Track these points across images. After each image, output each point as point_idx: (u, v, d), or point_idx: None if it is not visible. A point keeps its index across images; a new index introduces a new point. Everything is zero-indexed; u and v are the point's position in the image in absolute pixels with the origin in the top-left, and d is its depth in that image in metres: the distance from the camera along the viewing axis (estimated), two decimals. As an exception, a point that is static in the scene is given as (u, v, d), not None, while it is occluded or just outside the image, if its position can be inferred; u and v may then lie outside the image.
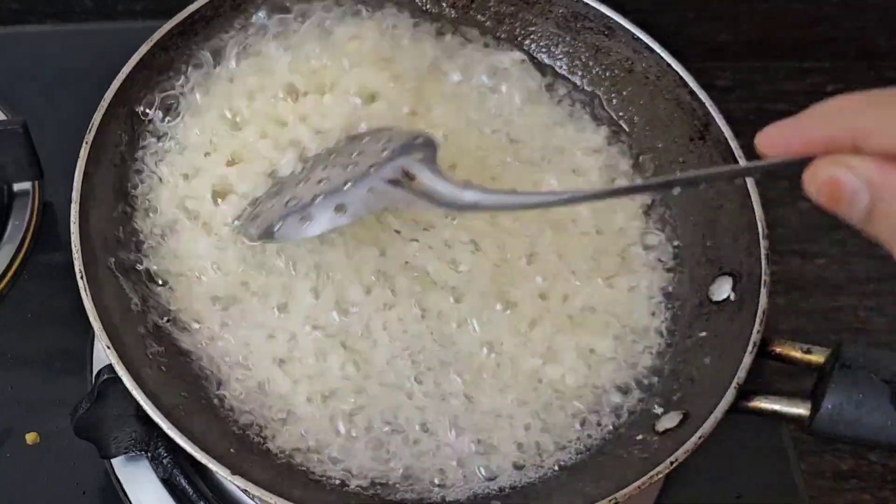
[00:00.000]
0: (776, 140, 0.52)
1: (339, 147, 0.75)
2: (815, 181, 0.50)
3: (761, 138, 0.53)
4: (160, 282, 0.73)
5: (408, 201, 0.68)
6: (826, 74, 1.17)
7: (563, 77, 0.85)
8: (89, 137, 0.71)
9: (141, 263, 0.73)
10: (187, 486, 0.78)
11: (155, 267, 0.73)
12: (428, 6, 0.85)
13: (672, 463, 0.64)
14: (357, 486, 0.67)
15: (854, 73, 1.18)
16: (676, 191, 0.78)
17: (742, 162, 0.75)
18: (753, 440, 0.87)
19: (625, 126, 0.83)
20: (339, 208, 0.69)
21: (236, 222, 0.74)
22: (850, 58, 1.19)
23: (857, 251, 1.07)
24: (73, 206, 0.69)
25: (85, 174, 0.70)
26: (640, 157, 0.81)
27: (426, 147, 0.70)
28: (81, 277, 0.67)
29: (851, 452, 0.96)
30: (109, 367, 0.68)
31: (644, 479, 0.63)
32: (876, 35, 1.20)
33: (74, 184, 0.69)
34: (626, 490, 0.63)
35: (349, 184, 0.69)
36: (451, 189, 0.66)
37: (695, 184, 0.75)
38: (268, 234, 0.71)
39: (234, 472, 0.62)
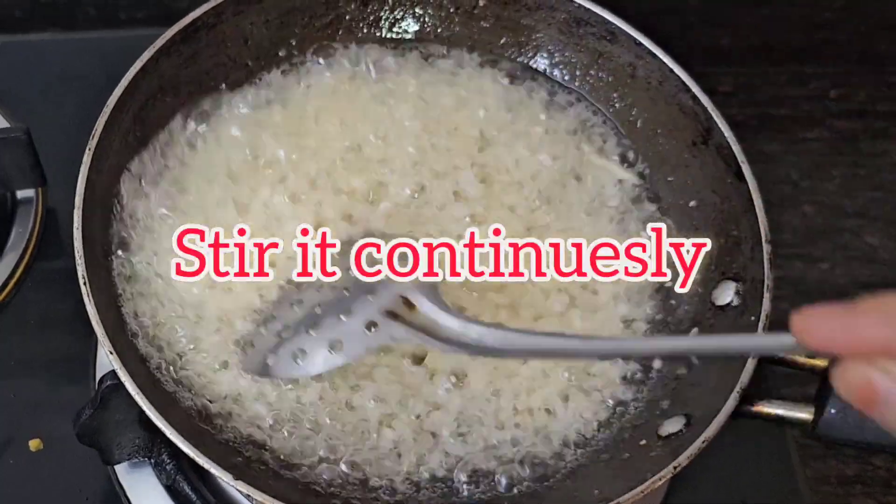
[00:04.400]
0: (818, 332, 0.47)
1: (335, 259, 0.73)
2: (845, 382, 0.47)
3: (799, 324, 0.48)
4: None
5: (407, 338, 0.64)
6: (828, 79, 1.17)
7: (564, 82, 0.85)
8: (92, 144, 0.71)
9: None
10: (191, 493, 0.77)
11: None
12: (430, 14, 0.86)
13: (675, 468, 0.64)
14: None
15: (856, 78, 1.18)
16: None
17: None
18: (757, 445, 0.86)
19: (627, 131, 0.83)
20: (335, 346, 0.66)
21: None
22: (852, 62, 1.19)
23: (860, 256, 1.07)
24: (75, 211, 0.69)
25: (88, 180, 0.70)
26: (642, 162, 0.82)
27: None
28: (84, 283, 0.66)
29: (856, 458, 0.95)
30: (112, 374, 0.67)
31: (647, 483, 0.63)
32: (878, 40, 1.20)
33: (77, 189, 0.69)
34: (629, 495, 0.63)
35: (343, 316, 0.66)
36: (454, 322, 0.62)
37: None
38: (263, 370, 0.68)
39: (236, 478, 0.62)
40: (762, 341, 0.58)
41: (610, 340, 0.66)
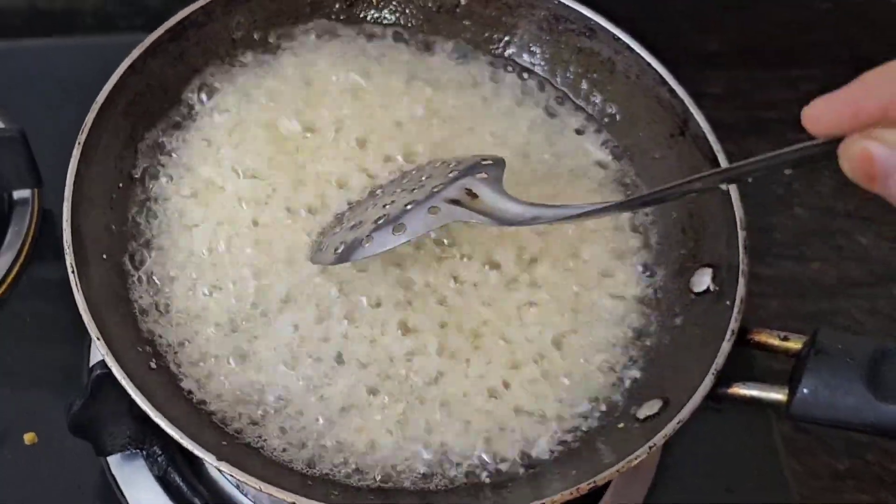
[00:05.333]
0: (825, 115, 0.49)
1: (411, 173, 0.77)
2: (848, 160, 0.48)
3: (808, 113, 0.49)
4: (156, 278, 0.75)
5: (466, 217, 0.70)
6: (817, 82, 1.18)
7: (545, 78, 0.86)
8: (81, 138, 0.73)
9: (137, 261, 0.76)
10: (182, 484, 0.79)
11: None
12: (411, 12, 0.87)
13: (650, 448, 0.64)
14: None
15: (845, 80, 1.17)
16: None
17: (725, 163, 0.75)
18: (743, 436, 0.87)
19: (606, 124, 0.84)
20: (398, 228, 0.70)
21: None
22: (840, 65, 1.20)
23: (852, 255, 1.07)
24: (65, 203, 0.70)
25: (77, 173, 0.72)
26: (623, 155, 0.83)
27: (493, 167, 0.73)
28: (73, 272, 0.68)
29: (848, 453, 0.95)
30: (102, 363, 0.68)
31: (622, 462, 0.64)
32: (866, 41, 1.21)
33: (67, 181, 0.71)
34: (605, 473, 0.64)
35: (410, 205, 0.71)
36: (511, 206, 0.69)
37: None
38: (339, 259, 0.72)
39: (219, 458, 0.63)
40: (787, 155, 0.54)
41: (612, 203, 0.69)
